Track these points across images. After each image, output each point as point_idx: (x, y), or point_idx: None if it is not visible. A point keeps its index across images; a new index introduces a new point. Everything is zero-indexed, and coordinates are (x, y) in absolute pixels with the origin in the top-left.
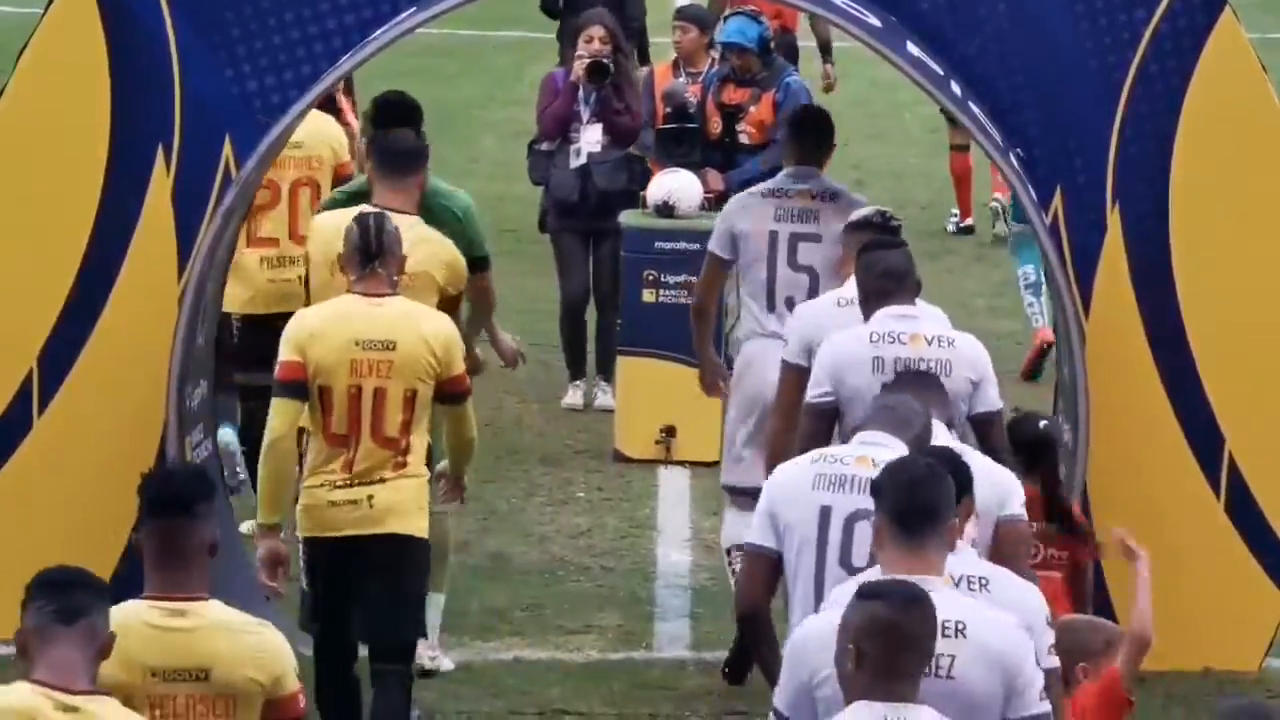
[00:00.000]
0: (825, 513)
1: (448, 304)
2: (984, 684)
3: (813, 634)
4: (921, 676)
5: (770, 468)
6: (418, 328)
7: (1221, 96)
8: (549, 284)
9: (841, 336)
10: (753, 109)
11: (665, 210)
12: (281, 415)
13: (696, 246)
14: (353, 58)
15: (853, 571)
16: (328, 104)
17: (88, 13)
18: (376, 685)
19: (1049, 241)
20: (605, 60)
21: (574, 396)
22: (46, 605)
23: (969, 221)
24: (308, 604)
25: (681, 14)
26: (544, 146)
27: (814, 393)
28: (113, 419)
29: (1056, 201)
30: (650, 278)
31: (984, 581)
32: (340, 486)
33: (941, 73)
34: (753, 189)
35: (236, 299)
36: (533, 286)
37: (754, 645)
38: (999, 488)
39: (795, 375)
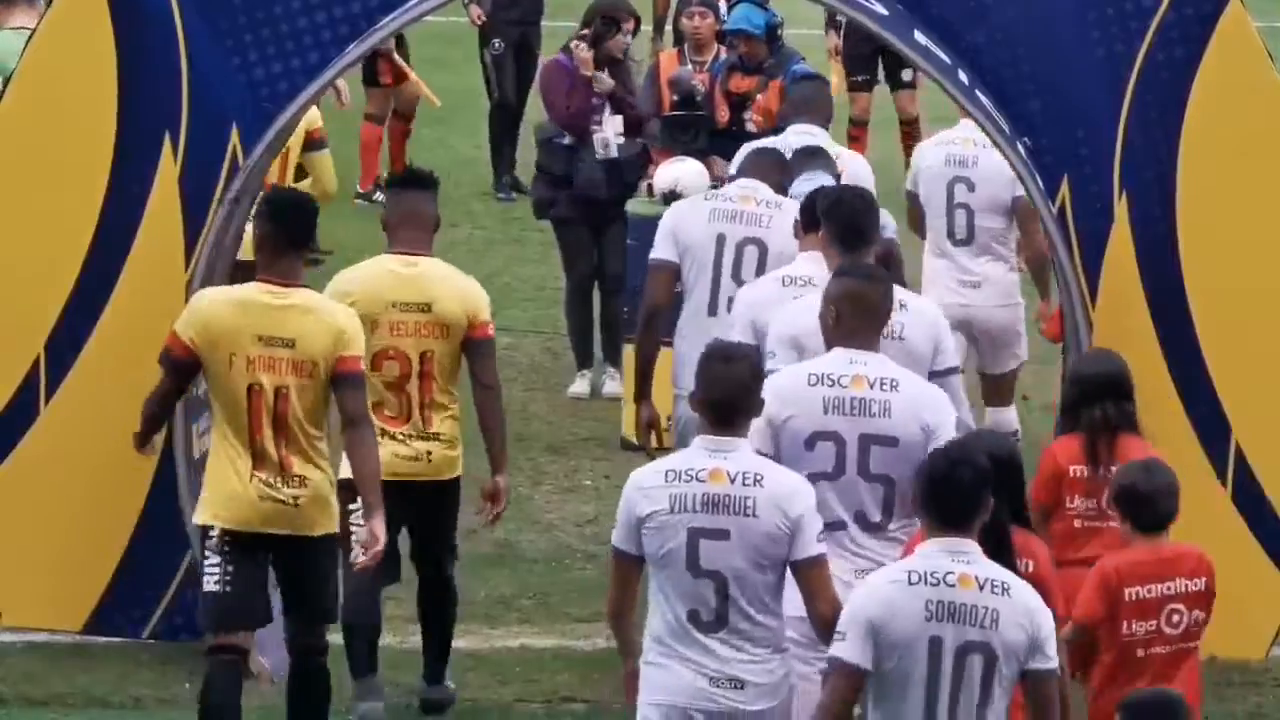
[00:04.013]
0: (720, 239)
1: None
2: (923, 344)
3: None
4: (881, 334)
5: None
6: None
7: (1228, 85)
8: (554, 272)
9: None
10: (760, 97)
11: (672, 198)
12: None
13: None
14: (360, 45)
15: (740, 283)
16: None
17: (95, 1)
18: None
19: (1056, 230)
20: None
21: (580, 385)
22: (273, 225)
23: None
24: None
25: (702, 1)
26: (566, 140)
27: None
28: (119, 407)
29: (1063, 190)
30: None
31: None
32: None
33: (949, 61)
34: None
35: None
36: (539, 274)
37: (643, 341)
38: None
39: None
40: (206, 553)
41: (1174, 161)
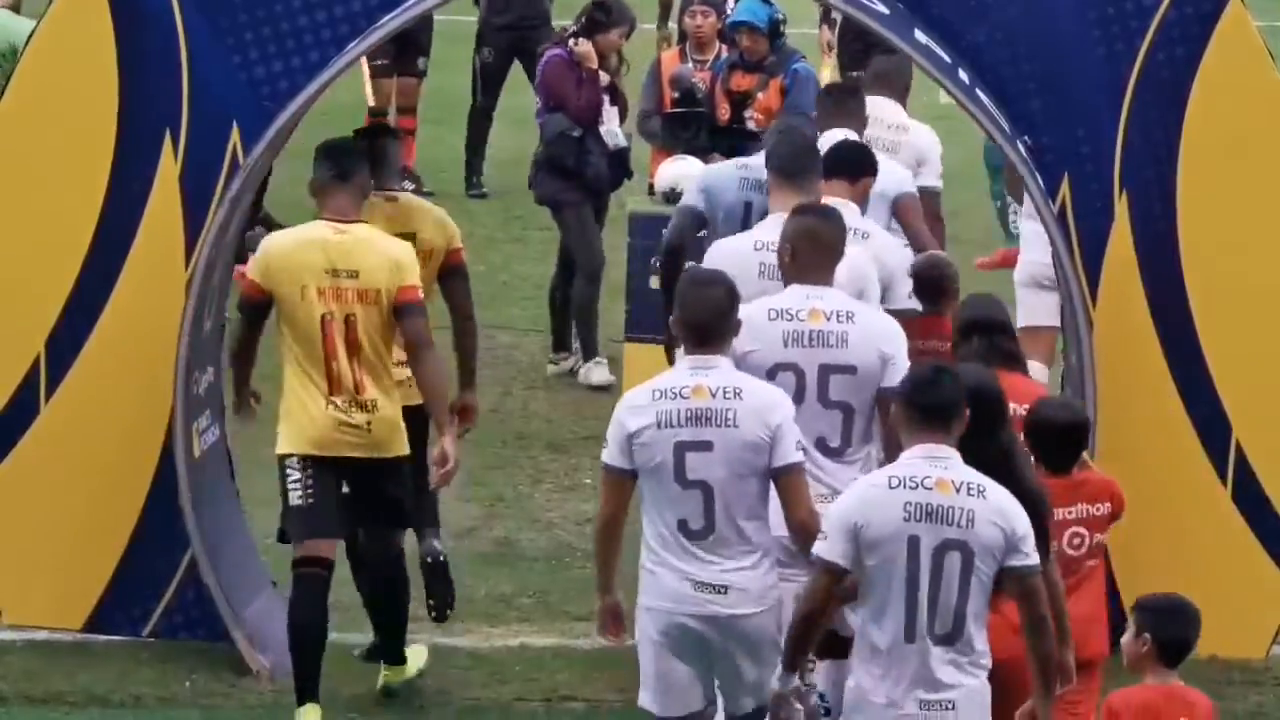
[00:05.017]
0: (748, 207)
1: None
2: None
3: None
4: (835, 269)
5: None
6: None
7: (1229, 84)
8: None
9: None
10: (760, 95)
11: (673, 197)
12: None
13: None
14: (360, 44)
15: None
16: None
17: (95, 0)
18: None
19: (1056, 229)
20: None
21: (601, 373)
22: (329, 168)
23: None
24: None
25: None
26: (576, 133)
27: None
28: (119, 406)
29: (1064, 189)
30: (658, 264)
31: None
32: None
33: (949, 60)
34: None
35: None
36: (539, 272)
37: (668, 275)
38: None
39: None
40: (288, 471)
41: (1174, 160)
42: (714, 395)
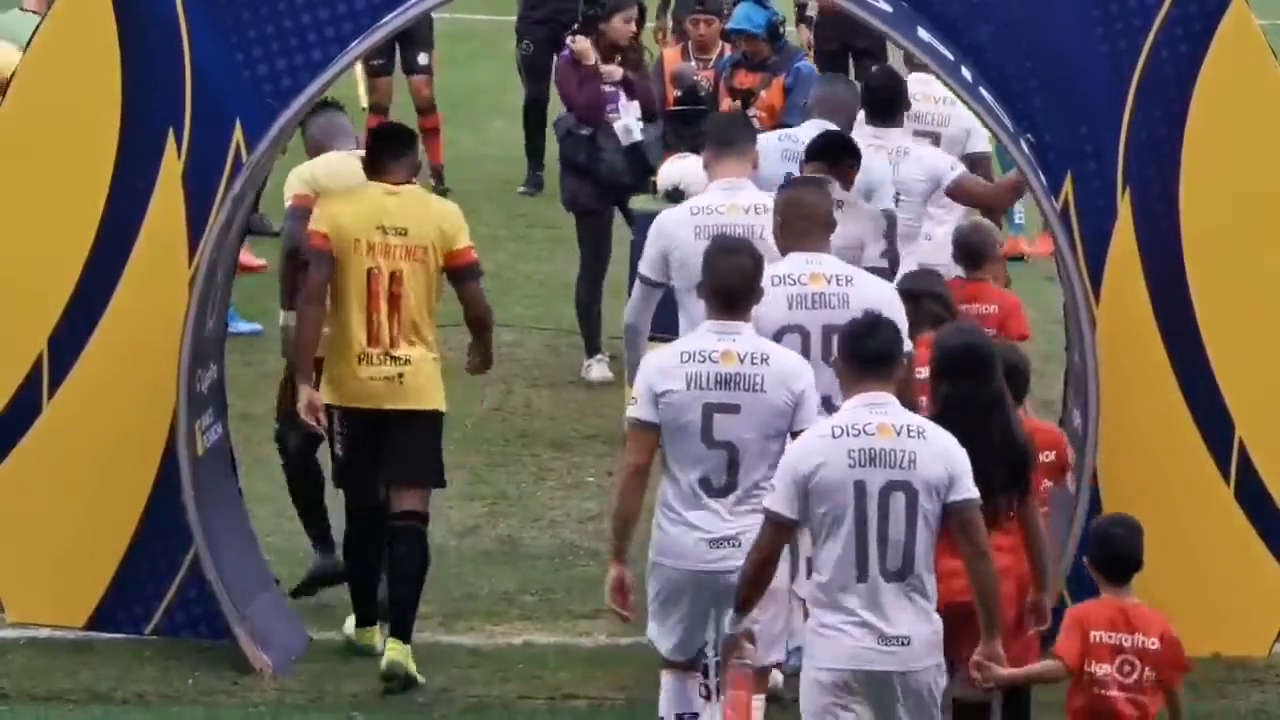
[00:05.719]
0: (788, 178)
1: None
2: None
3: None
4: (828, 236)
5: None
6: None
7: (1232, 82)
8: (559, 269)
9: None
10: (763, 93)
11: (676, 195)
12: None
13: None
14: (363, 42)
15: None
16: None
17: None
18: None
19: (1059, 227)
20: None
21: (601, 369)
22: (380, 144)
23: None
24: None
25: (704, 8)
26: (584, 131)
27: None
28: (122, 403)
29: (1066, 187)
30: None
31: None
32: None
33: (952, 58)
34: None
35: None
36: (542, 271)
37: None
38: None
39: None
40: (334, 424)
41: (1177, 158)
42: (742, 361)
